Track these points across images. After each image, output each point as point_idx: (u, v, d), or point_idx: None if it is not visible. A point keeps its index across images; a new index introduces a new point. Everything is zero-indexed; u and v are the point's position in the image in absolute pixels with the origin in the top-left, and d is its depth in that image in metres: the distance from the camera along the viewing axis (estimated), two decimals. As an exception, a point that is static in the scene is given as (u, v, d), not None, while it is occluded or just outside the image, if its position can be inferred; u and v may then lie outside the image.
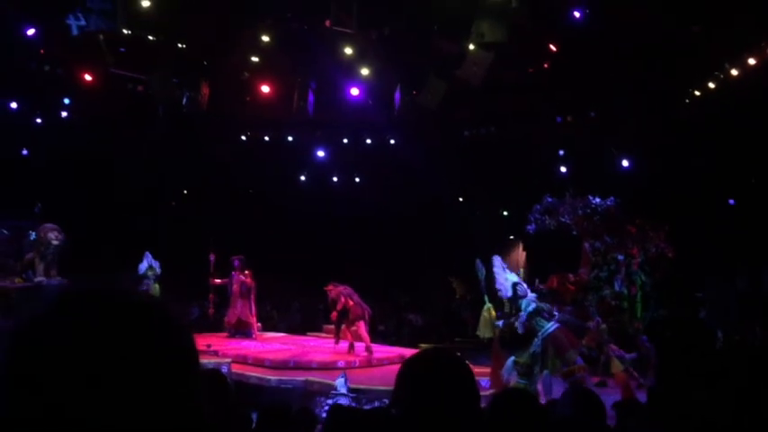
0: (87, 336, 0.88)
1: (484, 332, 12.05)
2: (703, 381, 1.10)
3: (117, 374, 0.86)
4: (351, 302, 13.05)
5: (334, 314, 13.37)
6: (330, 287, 13.33)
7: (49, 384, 0.85)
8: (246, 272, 15.00)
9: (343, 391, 9.59)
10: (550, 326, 10.57)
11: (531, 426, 2.12)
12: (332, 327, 17.25)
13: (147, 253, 14.45)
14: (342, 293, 13.08)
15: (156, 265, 14.46)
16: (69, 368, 0.85)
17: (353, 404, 9.12)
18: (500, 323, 11.59)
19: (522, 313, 10.76)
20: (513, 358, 10.81)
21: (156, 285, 14.64)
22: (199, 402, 0.94)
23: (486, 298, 12.29)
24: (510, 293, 11.10)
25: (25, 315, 0.93)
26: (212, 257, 15.12)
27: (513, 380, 10.76)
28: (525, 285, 11.33)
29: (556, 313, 10.92)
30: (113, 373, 0.86)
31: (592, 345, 12.11)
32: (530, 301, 10.90)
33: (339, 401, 9.26)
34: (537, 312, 10.71)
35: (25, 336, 0.90)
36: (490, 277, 12.14)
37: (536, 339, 10.58)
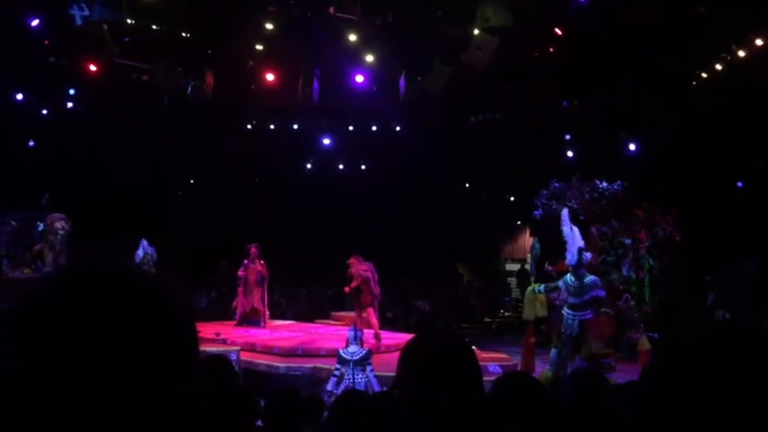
0: (82, 315, 0.86)
1: (529, 313, 11.82)
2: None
3: (111, 357, 0.84)
4: (364, 287, 13.02)
5: (347, 288, 13.34)
6: (353, 261, 13.17)
7: (42, 369, 0.83)
8: (261, 261, 15.00)
9: (354, 344, 9.64)
10: (588, 312, 10.31)
11: (533, 408, 2.12)
12: (341, 314, 17.33)
13: (143, 240, 14.43)
14: (360, 275, 12.99)
15: (151, 251, 14.44)
16: (63, 350, 0.83)
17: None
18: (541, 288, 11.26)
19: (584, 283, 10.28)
20: (555, 350, 10.61)
21: (154, 271, 14.64)
22: (197, 387, 0.91)
23: (532, 279, 12.13)
24: (575, 260, 10.38)
25: (23, 295, 0.91)
26: (254, 250, 15.04)
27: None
28: (589, 255, 10.89)
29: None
30: (107, 357, 0.84)
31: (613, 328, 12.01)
32: (594, 280, 10.51)
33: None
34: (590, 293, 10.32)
35: (20, 317, 0.88)
36: (542, 258, 11.99)
37: (569, 321, 10.32)
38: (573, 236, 10.60)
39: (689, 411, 1.05)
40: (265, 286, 15.13)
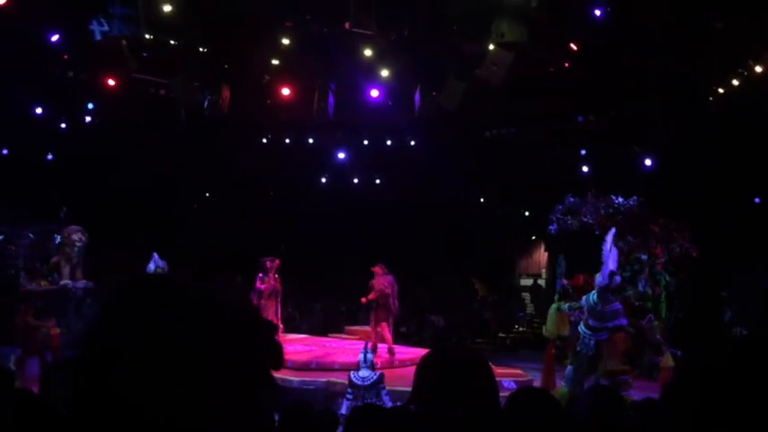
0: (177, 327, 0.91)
1: (551, 331, 11.67)
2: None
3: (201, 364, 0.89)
4: (382, 301, 12.98)
5: (364, 299, 13.29)
6: (378, 269, 13.11)
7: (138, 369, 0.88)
8: (276, 275, 14.98)
9: (365, 368, 9.54)
10: (608, 322, 10.13)
11: (547, 424, 2.11)
12: (354, 328, 17.30)
13: (154, 253, 14.50)
14: (379, 289, 12.94)
15: (162, 264, 14.51)
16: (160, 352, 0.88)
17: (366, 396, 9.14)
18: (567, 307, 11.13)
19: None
20: (571, 367, 10.48)
21: None
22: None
23: (555, 297, 12.02)
24: (605, 282, 10.08)
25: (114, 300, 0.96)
26: (269, 263, 15.04)
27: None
28: (619, 278, 10.72)
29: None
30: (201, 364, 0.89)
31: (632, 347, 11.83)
32: (618, 308, 10.33)
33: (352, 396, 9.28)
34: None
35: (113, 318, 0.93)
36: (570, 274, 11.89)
37: (587, 340, 10.17)
38: (610, 257, 10.43)
39: (709, 428, 1.05)
40: (279, 300, 15.12)
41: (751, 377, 1.05)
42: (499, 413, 1.74)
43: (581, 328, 10.41)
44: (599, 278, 10.17)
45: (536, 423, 2.11)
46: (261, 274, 14.89)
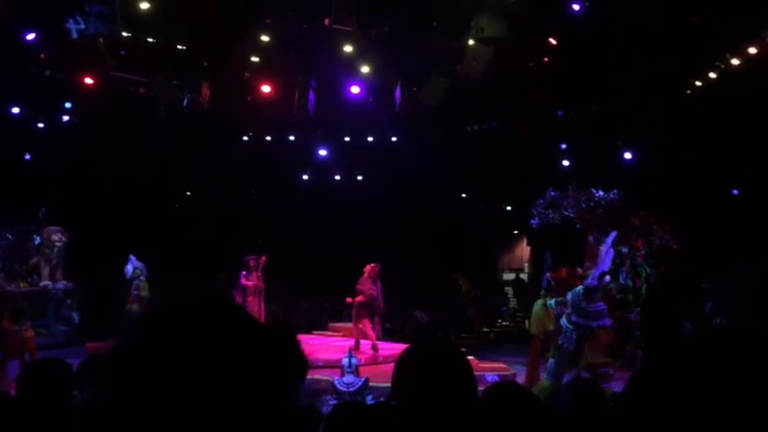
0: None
1: (537, 328, 11.70)
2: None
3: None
4: (359, 299, 13.04)
5: (349, 299, 13.33)
6: (368, 268, 13.17)
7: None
8: (259, 273, 14.96)
9: (350, 373, 9.50)
10: (591, 321, 10.16)
11: (522, 418, 2.12)
12: (338, 325, 17.30)
13: (132, 256, 14.43)
14: (368, 294, 13.00)
15: (141, 265, 14.45)
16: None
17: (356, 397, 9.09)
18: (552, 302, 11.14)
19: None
20: (553, 360, 10.53)
21: (146, 283, 14.59)
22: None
23: (542, 293, 12.04)
24: (595, 283, 10.17)
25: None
26: (253, 262, 15.00)
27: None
28: (609, 278, 10.79)
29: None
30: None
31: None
32: (602, 309, 10.36)
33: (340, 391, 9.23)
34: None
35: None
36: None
37: (569, 334, 10.22)
38: (604, 258, 10.50)
39: (673, 416, 1.06)
40: (262, 298, 15.09)
41: (716, 371, 1.06)
42: (476, 407, 1.75)
43: (563, 322, 10.47)
44: (589, 278, 10.23)
45: (510, 417, 2.12)
46: (244, 272, 14.86)
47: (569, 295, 10.48)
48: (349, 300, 13.34)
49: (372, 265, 13.41)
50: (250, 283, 14.73)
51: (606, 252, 10.64)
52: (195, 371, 0.94)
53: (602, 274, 10.27)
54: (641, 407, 1.12)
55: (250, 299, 14.84)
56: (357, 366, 9.77)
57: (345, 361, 9.72)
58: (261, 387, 0.98)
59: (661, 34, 11.76)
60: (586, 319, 10.15)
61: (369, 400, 9.17)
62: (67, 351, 12.67)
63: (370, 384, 9.68)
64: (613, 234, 11.13)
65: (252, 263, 14.94)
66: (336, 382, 9.47)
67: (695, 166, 14.98)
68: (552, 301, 11.33)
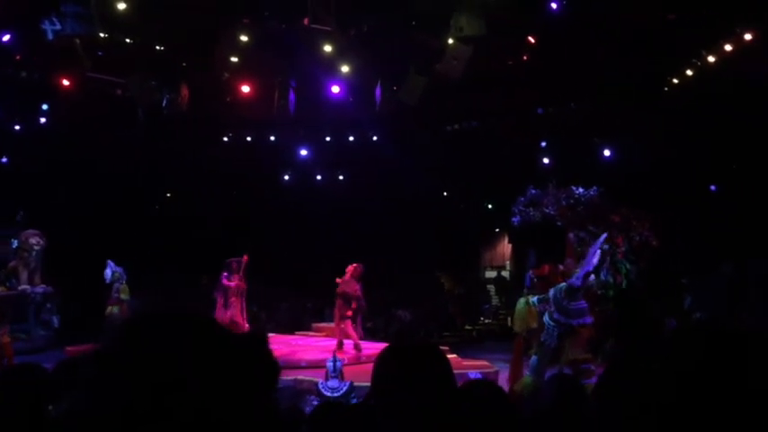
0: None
1: (521, 326, 11.70)
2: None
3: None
4: (354, 301, 13.06)
5: (350, 313, 13.34)
6: (351, 268, 13.15)
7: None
8: (241, 274, 14.91)
9: (334, 378, 9.48)
10: (572, 319, 10.18)
11: (493, 416, 2.14)
12: (321, 325, 17.28)
13: (109, 261, 14.34)
14: (356, 296, 13.02)
15: (119, 270, 14.36)
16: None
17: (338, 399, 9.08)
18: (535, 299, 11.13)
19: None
20: (536, 357, 10.54)
21: (126, 286, 14.49)
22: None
23: (524, 291, 12.05)
24: (579, 283, 10.17)
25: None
26: (235, 264, 14.93)
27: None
28: (593, 278, 10.80)
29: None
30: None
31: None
32: (584, 307, 10.39)
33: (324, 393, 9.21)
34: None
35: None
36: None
37: (551, 331, 10.24)
38: (591, 259, 10.54)
39: (654, 413, 1.06)
40: (244, 299, 15.05)
41: (701, 368, 1.07)
42: (455, 405, 1.75)
43: (546, 319, 10.51)
44: (574, 277, 10.26)
45: (481, 416, 2.13)
46: (226, 273, 14.81)
47: (551, 292, 10.52)
48: (349, 313, 13.32)
49: (355, 265, 13.42)
50: (232, 284, 14.68)
51: (593, 253, 10.69)
52: (175, 376, 0.95)
53: (587, 274, 10.31)
54: (617, 403, 1.13)
55: (232, 299, 14.80)
56: (341, 370, 9.76)
57: (330, 365, 9.70)
58: (237, 390, 1.00)
59: (638, 32, 11.86)
60: (568, 317, 10.20)
61: (353, 401, 9.16)
62: (47, 355, 12.55)
63: (355, 383, 9.67)
64: (604, 235, 11.20)
65: (234, 264, 14.90)
66: (321, 386, 9.44)
67: (674, 162, 15.13)
68: (535, 299, 11.36)
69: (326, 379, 9.49)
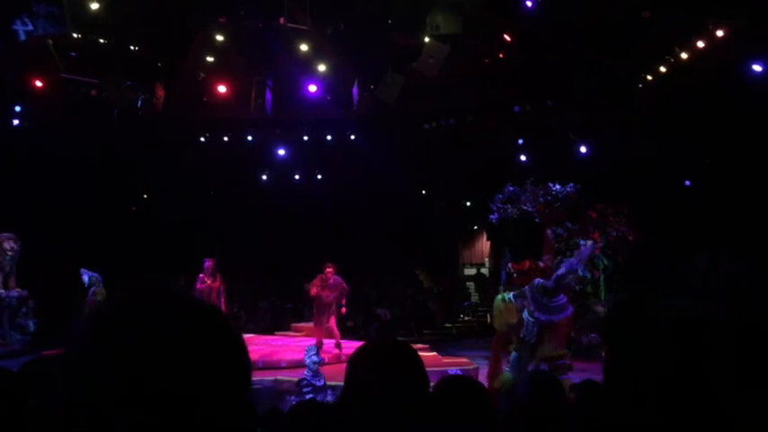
0: (160, 336, 0.98)
1: (501, 324, 11.72)
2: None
3: (184, 369, 0.95)
4: (343, 300, 13.00)
5: (344, 310, 13.23)
6: (329, 270, 13.03)
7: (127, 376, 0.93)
8: (218, 275, 14.81)
9: (314, 359, 9.57)
10: (554, 316, 10.18)
11: (471, 411, 2.15)
12: (300, 325, 17.23)
13: (82, 269, 14.21)
14: (344, 288, 12.94)
15: (96, 275, 14.24)
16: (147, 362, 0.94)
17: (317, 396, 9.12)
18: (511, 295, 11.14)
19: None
20: (515, 353, 10.54)
21: (103, 288, 14.36)
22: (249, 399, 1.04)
23: (501, 288, 12.07)
24: (552, 285, 10.12)
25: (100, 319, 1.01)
26: (209, 264, 14.83)
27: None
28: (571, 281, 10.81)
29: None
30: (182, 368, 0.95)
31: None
32: (563, 303, 10.41)
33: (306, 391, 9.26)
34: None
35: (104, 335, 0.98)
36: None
37: (530, 327, 10.24)
38: (573, 262, 10.57)
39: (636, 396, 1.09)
40: (222, 300, 14.96)
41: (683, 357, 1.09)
42: (429, 402, 1.76)
43: (525, 315, 10.53)
44: (554, 276, 10.24)
45: (459, 410, 2.14)
46: (202, 275, 14.76)
47: (527, 290, 10.53)
48: (344, 311, 13.22)
49: (332, 266, 13.28)
50: (201, 286, 14.67)
51: (578, 260, 10.73)
52: (147, 370, 0.93)
53: (562, 277, 10.31)
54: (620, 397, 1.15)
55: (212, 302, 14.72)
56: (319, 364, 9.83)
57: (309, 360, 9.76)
58: (214, 383, 0.98)
59: (613, 29, 11.96)
60: (549, 313, 10.20)
61: (329, 396, 9.21)
62: (23, 360, 12.39)
63: (334, 383, 9.69)
64: (591, 244, 11.21)
65: (207, 264, 14.85)
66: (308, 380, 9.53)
67: (649, 158, 15.29)
68: (511, 295, 11.37)
69: (315, 375, 9.58)
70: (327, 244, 19.58)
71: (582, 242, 10.85)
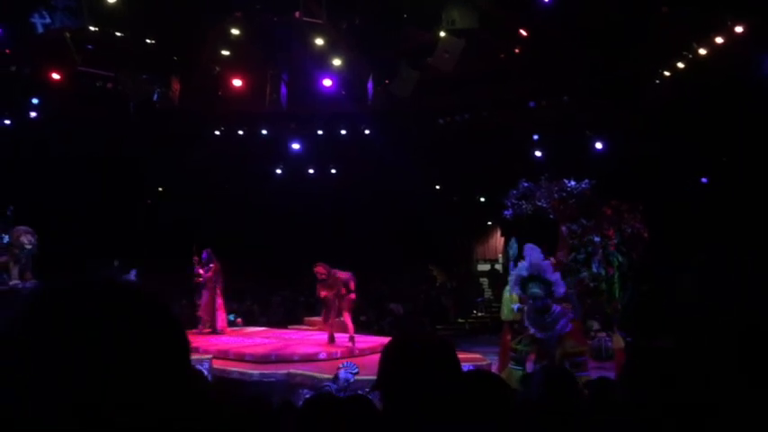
0: (88, 322, 0.95)
1: (507, 314, 11.70)
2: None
3: (114, 357, 0.93)
4: (343, 291, 12.98)
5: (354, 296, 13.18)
6: (321, 268, 12.98)
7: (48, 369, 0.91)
8: (211, 265, 14.92)
9: (350, 377, 9.49)
10: (554, 334, 10.00)
11: (495, 406, 2.14)
12: (313, 319, 17.24)
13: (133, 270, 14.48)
14: (340, 280, 12.90)
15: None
16: (70, 352, 0.92)
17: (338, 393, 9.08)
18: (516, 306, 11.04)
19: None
20: (524, 351, 10.45)
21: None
22: (193, 384, 1.01)
23: (509, 280, 12.03)
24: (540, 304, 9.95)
25: (23, 309, 1.00)
26: (195, 258, 14.98)
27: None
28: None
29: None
30: (112, 357, 0.93)
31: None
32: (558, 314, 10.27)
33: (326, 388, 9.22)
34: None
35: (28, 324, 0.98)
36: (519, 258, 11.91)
37: (549, 332, 10.05)
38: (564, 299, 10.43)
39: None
40: (218, 290, 15.04)
41: (701, 357, 1.09)
42: (463, 396, 1.75)
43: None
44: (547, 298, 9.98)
45: (483, 405, 2.13)
46: (196, 267, 15.02)
47: (525, 311, 10.26)
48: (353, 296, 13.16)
49: (320, 266, 13.24)
50: (200, 279, 14.91)
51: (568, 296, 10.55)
52: (85, 354, 0.92)
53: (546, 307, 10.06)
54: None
55: (202, 293, 14.97)
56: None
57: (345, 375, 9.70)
58: (136, 367, 0.96)
59: (631, 24, 11.86)
60: (546, 330, 9.98)
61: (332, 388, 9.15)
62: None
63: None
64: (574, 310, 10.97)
65: (204, 255, 15.03)
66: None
67: (665, 154, 15.16)
68: (516, 306, 11.18)
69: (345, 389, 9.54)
70: (340, 237, 19.62)
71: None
